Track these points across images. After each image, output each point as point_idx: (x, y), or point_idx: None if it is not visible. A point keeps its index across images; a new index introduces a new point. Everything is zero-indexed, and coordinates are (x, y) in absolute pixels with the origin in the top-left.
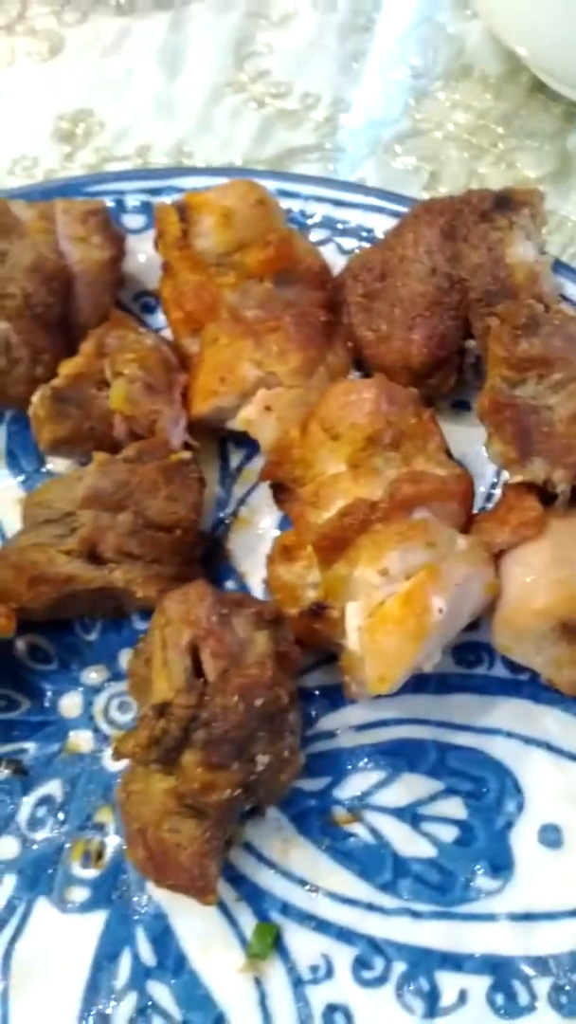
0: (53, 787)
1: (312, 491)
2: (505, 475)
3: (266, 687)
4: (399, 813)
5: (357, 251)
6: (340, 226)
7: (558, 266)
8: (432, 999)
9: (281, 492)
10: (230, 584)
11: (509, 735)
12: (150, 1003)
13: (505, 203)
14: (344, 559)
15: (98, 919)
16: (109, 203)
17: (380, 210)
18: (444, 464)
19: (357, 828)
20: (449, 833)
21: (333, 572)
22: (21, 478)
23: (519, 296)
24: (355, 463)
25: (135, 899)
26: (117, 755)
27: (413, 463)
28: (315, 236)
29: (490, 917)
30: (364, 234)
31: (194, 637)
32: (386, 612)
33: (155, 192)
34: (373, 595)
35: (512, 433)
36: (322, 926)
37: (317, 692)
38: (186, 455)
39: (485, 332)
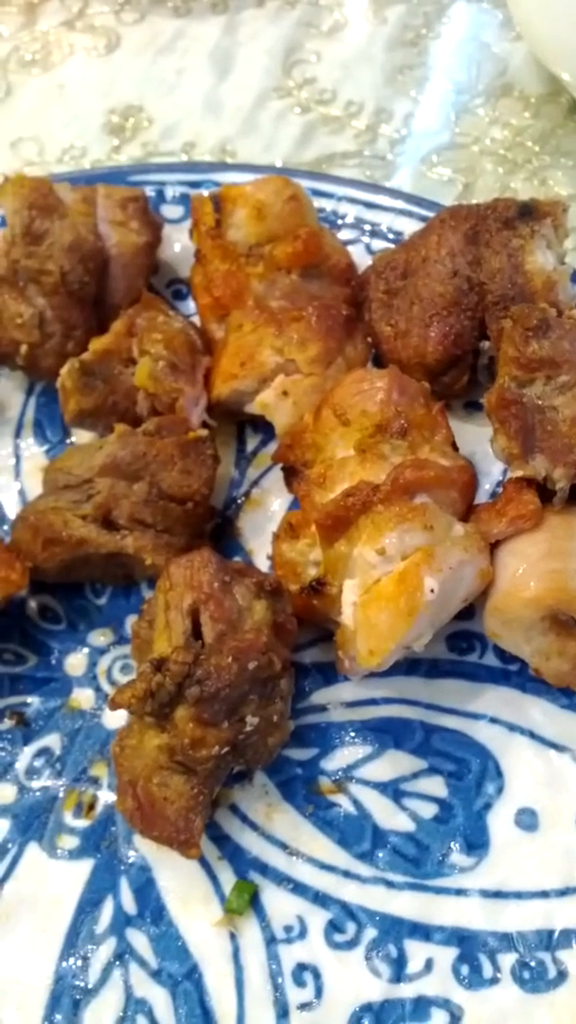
0: (52, 740)
1: (319, 472)
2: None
3: (260, 652)
4: (382, 787)
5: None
6: (369, 227)
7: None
8: (399, 965)
9: (292, 475)
10: (238, 560)
11: (494, 721)
12: (128, 949)
13: (528, 212)
14: (345, 538)
15: (85, 867)
16: (150, 193)
17: (410, 214)
18: (448, 455)
19: (340, 799)
20: (429, 810)
21: (333, 550)
22: (46, 447)
23: (535, 301)
24: (363, 448)
25: (122, 850)
26: (113, 705)
27: (419, 452)
28: (345, 235)
29: (462, 892)
30: (392, 236)
31: (195, 601)
32: (380, 589)
33: (195, 185)
34: (370, 573)
35: (516, 429)
36: (299, 889)
37: (312, 668)
38: (203, 433)
39: (499, 334)
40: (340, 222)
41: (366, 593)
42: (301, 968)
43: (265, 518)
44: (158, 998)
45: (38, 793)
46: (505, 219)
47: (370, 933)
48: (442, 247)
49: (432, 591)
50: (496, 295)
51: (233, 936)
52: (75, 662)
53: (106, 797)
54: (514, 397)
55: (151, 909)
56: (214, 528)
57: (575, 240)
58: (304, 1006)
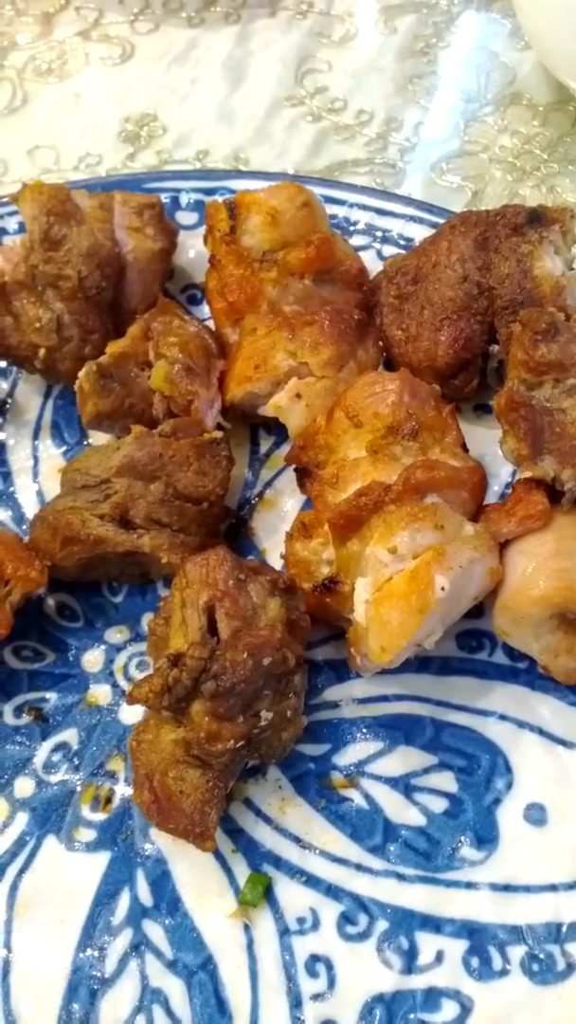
0: (70, 735)
1: (332, 473)
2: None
3: (274, 648)
4: (393, 782)
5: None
6: (381, 233)
7: None
8: (410, 957)
9: (305, 476)
10: (251, 559)
11: (504, 718)
12: (144, 940)
13: (537, 219)
14: (357, 537)
15: (102, 859)
16: (165, 199)
17: (420, 220)
18: (458, 456)
19: (352, 793)
20: (439, 804)
21: (346, 549)
22: (63, 449)
23: (543, 306)
24: (375, 449)
25: (138, 843)
26: (131, 699)
27: (429, 453)
28: (357, 241)
29: (472, 885)
30: (403, 242)
31: (211, 598)
32: (392, 587)
33: (209, 192)
34: (382, 571)
35: (525, 431)
36: (312, 881)
37: (324, 665)
38: (218, 435)
39: (509, 338)
40: (352, 228)
41: (378, 591)
42: (314, 959)
43: (278, 518)
44: (173, 988)
45: (56, 787)
46: (514, 225)
47: (382, 925)
48: (452, 253)
49: (443, 589)
50: (505, 300)
51: (247, 928)
52: (92, 659)
53: (123, 791)
54: (523, 400)
55: (167, 901)
56: (228, 528)
57: None
58: (317, 996)
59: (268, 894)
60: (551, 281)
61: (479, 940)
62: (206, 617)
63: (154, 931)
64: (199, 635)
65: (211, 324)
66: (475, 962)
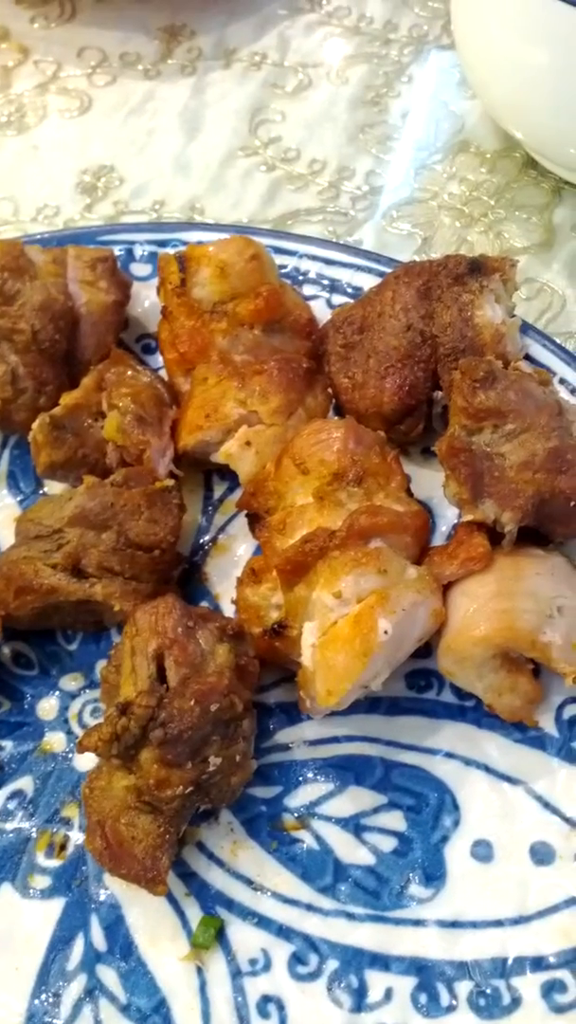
0: (25, 783)
1: (280, 519)
2: None
3: (222, 694)
4: (343, 823)
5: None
6: (329, 283)
7: (526, 328)
8: (360, 995)
9: (256, 521)
10: (204, 604)
11: (451, 756)
12: (98, 985)
13: (478, 268)
14: (304, 582)
15: (56, 905)
16: (119, 252)
17: (368, 270)
18: (402, 501)
19: (303, 834)
20: (388, 843)
21: (294, 594)
22: (19, 498)
23: (484, 353)
24: (321, 496)
25: (92, 889)
26: (81, 748)
27: (374, 498)
28: (308, 291)
29: (419, 923)
30: (352, 291)
31: (160, 646)
32: (337, 631)
33: (162, 244)
34: (327, 616)
35: (466, 476)
36: (263, 923)
37: (276, 707)
38: (169, 483)
39: (451, 385)
40: (302, 278)
41: (324, 635)
42: (266, 1000)
43: (231, 563)
44: None
45: (11, 835)
46: (456, 275)
47: (332, 964)
48: (396, 302)
49: (386, 632)
50: (448, 347)
51: (200, 970)
52: (47, 706)
53: (77, 837)
54: (463, 445)
55: (120, 945)
56: (182, 574)
57: (528, 290)
58: None
59: (220, 936)
60: (491, 329)
61: (427, 977)
62: (155, 665)
63: (108, 976)
64: (147, 683)
65: (164, 373)
66: (423, 998)
